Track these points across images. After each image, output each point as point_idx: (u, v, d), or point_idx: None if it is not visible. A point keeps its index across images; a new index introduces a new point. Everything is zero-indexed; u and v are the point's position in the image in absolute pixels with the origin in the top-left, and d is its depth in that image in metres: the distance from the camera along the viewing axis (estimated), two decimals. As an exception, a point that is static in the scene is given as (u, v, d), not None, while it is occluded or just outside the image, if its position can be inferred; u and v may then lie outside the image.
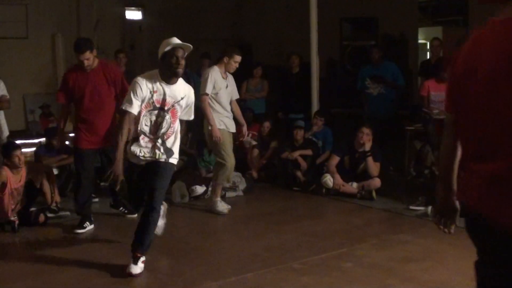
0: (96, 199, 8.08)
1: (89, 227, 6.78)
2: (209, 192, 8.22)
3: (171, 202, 8.00)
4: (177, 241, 6.38)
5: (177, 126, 5.53)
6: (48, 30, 13.40)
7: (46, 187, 7.22)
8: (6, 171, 6.68)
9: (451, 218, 2.90)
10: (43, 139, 8.99)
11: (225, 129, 7.48)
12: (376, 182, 8.14)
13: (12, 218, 6.69)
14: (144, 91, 5.26)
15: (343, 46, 11.91)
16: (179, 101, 5.41)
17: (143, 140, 5.37)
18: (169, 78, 5.31)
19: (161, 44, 5.32)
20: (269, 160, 9.57)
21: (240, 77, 7.48)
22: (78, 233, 6.63)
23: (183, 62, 5.25)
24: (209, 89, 7.37)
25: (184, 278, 5.18)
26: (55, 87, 13.64)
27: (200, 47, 14.44)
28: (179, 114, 5.49)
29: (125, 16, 14.53)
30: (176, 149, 5.51)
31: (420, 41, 13.58)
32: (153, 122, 5.37)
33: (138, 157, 5.42)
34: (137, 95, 5.25)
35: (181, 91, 5.43)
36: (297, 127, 9.22)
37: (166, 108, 5.36)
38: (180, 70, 5.29)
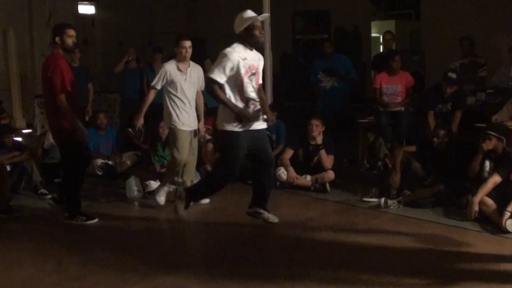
0: (49, 196, 8.00)
1: None
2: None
3: (124, 197, 8.00)
4: (130, 236, 6.36)
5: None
6: (-1, 25, 13.23)
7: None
8: None
9: None
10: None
11: (183, 129, 7.32)
12: (330, 175, 8.21)
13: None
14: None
15: (296, 40, 11.93)
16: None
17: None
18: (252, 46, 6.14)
19: (237, 20, 6.08)
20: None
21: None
22: None
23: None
24: (156, 83, 7.23)
25: (137, 273, 5.14)
26: (7, 83, 13.49)
27: (153, 41, 14.42)
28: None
29: (77, 10, 14.37)
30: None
31: (373, 35, 13.72)
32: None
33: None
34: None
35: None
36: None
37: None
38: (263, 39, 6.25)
